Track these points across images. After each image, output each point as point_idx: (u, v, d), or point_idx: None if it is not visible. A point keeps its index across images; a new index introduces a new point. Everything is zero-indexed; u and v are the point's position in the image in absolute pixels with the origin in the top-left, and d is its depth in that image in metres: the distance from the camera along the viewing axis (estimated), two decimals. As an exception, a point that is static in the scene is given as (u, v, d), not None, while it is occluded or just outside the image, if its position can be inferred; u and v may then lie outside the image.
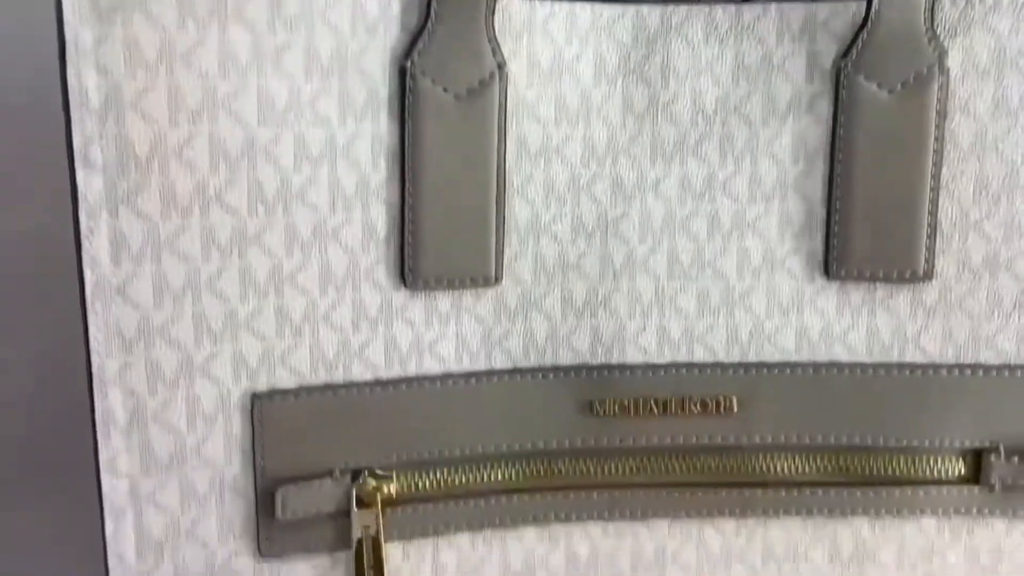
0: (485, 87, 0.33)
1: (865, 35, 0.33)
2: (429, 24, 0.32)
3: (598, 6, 0.34)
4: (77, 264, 0.29)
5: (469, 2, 0.32)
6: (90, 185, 0.29)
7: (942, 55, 0.33)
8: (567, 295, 0.35)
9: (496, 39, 0.32)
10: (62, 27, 0.27)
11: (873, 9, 0.33)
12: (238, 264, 0.31)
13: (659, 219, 0.35)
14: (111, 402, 0.31)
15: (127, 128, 0.28)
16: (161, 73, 0.28)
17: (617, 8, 0.34)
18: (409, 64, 0.32)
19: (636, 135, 0.34)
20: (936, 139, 0.33)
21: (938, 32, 0.33)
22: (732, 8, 0.34)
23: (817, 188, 0.34)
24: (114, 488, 0.32)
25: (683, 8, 0.34)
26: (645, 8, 0.34)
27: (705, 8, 0.34)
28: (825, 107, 0.34)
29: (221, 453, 0.33)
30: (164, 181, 0.29)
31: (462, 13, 0.32)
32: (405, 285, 0.33)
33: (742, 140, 0.34)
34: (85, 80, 0.28)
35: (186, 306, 0.31)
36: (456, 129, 0.33)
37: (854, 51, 0.33)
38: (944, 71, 0.33)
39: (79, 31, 0.27)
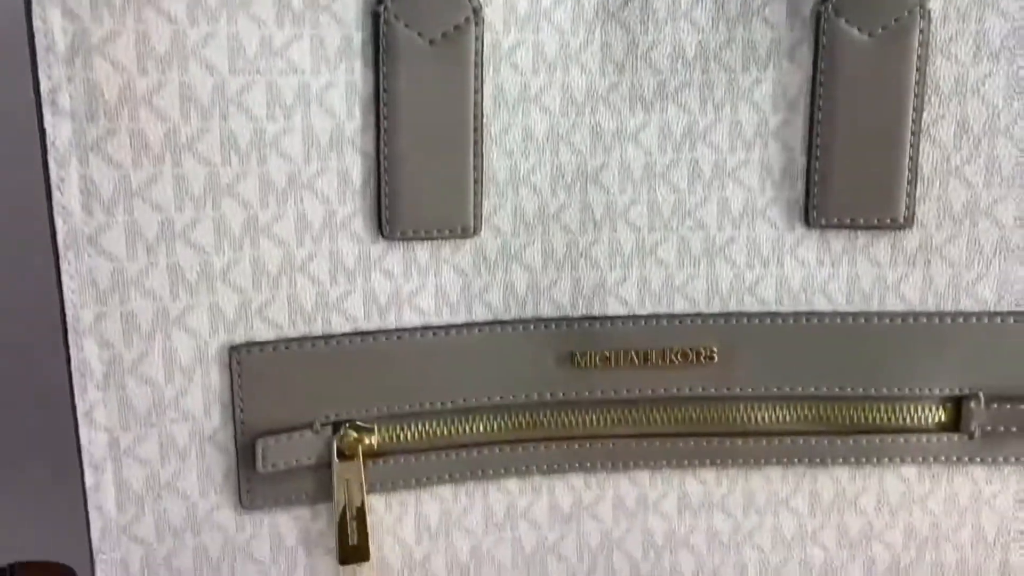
0: (461, 32, 0.32)
1: (846, -22, 0.33)
2: (402, -32, 0.31)
3: (576, -49, 0.34)
4: (48, 213, 0.29)
5: (443, -55, 0.31)
6: (59, 131, 0.28)
7: (923, -2, 0.33)
8: (547, 247, 0.35)
9: (472, -16, 0.32)
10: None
11: (854, -49, 0.32)
12: (212, 214, 0.31)
13: (639, 169, 0.35)
14: (87, 354, 0.31)
15: (95, 73, 0.28)
16: (128, 16, 0.28)
17: (595, -47, 0.34)
18: (382, 8, 0.31)
19: (616, 82, 0.34)
20: (917, 83, 0.33)
21: (920, -26, 0.32)
22: (712, -48, 0.34)
23: (797, 136, 0.34)
24: (92, 441, 0.32)
25: (662, -48, 0.34)
26: (624, -47, 0.34)
27: (684, -48, 0.34)
28: (806, 53, 0.34)
29: (200, 406, 0.33)
30: (134, 128, 0.29)
31: (436, -45, 0.31)
32: (383, 236, 0.33)
33: (722, 87, 0.34)
34: (51, 23, 0.27)
35: (160, 257, 0.31)
36: (431, 76, 0.32)
37: (835, -6, 0.33)
38: (925, 14, 0.33)
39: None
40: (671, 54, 0.34)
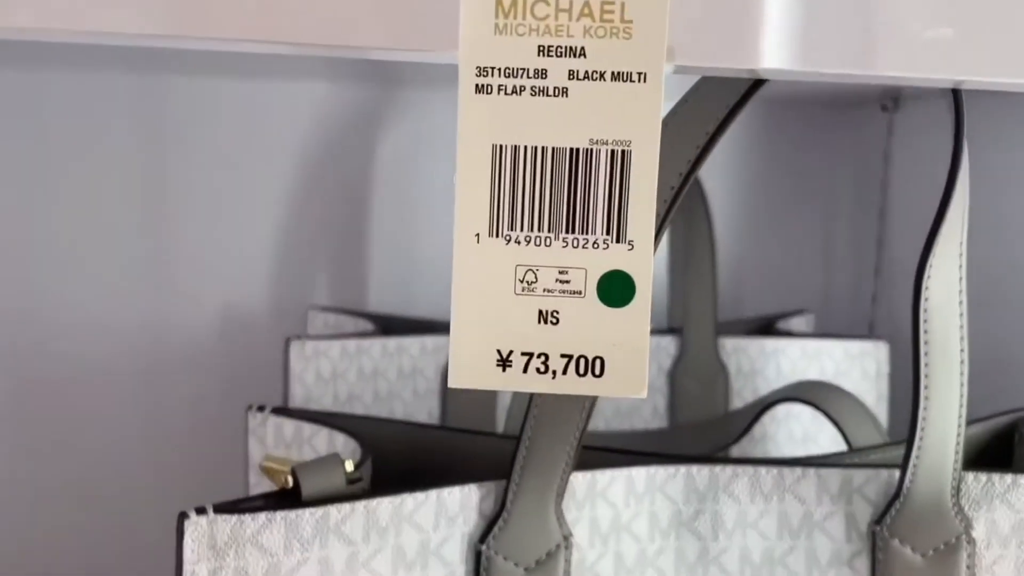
0: (551, 557, 0.35)
1: (898, 505, 0.36)
2: (505, 512, 0.34)
3: (652, 468, 0.37)
4: None
5: (543, 488, 0.34)
6: None
7: (968, 526, 0.36)
8: None
9: (563, 514, 0.35)
10: (180, 564, 0.29)
11: (905, 484, 0.36)
12: None
13: (712, 663, 0.37)
14: None
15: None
16: (265, 598, 0.31)
17: (670, 468, 0.37)
18: (484, 547, 0.34)
19: (689, 583, 0.37)
20: (968, 602, 0.36)
21: (963, 505, 0.36)
22: (775, 469, 0.37)
23: (861, 638, 0.37)
24: None
25: (729, 468, 0.37)
26: (695, 467, 0.37)
27: (750, 468, 0.37)
28: (864, 563, 0.37)
29: None
30: None
31: (536, 498, 0.34)
32: None
33: (788, 590, 0.37)
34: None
35: None
36: (523, 597, 0.35)
37: (888, 518, 0.36)
38: (971, 540, 0.36)
39: (196, 567, 0.30)
40: (740, 559, 0.37)
